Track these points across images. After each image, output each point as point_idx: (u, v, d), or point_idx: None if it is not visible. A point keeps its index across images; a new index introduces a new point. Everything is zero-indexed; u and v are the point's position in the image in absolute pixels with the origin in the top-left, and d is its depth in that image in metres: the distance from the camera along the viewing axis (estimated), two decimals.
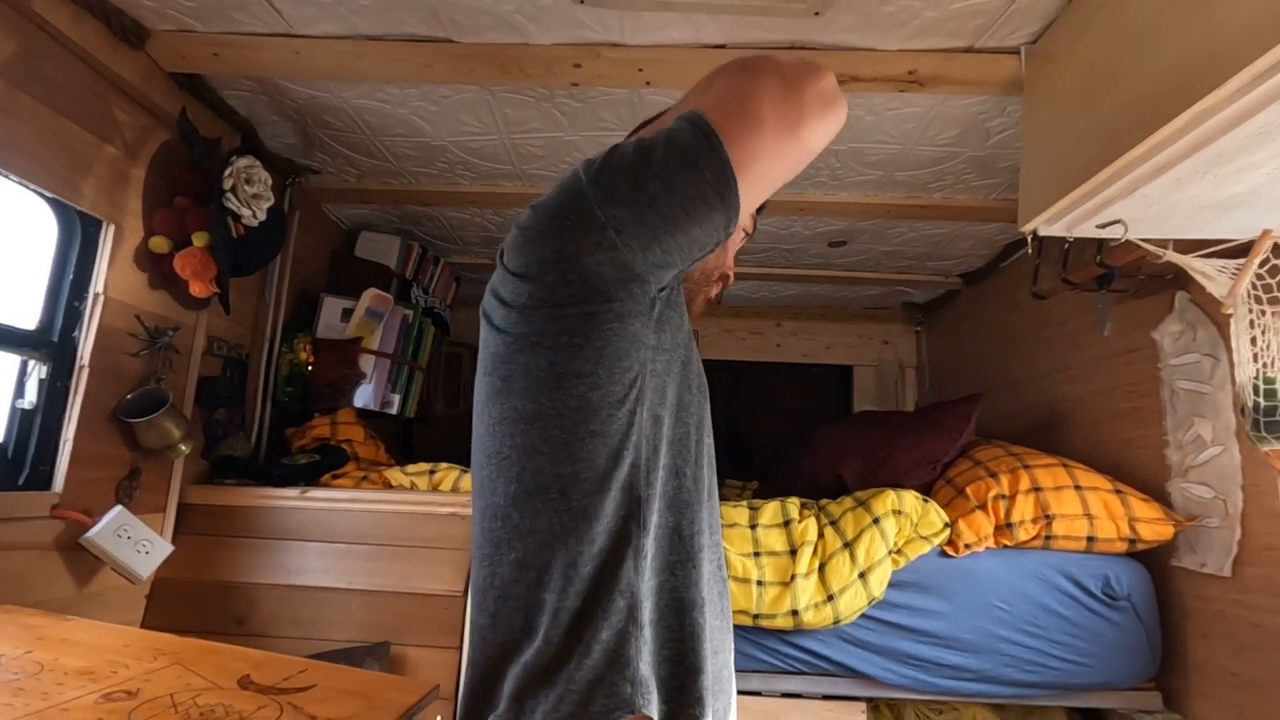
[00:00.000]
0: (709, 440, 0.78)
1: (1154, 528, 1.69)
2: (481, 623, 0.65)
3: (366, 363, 2.23)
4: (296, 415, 2.16)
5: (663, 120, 0.70)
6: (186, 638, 1.15)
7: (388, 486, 1.91)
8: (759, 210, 0.85)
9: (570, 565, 0.60)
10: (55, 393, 1.44)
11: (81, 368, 1.46)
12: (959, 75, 1.50)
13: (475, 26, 1.46)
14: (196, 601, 1.69)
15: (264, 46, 1.53)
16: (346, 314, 2.22)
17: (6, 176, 1.30)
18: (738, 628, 1.72)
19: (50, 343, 1.44)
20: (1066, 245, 1.65)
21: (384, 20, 1.46)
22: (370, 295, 2.23)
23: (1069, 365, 2.26)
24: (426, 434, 3.17)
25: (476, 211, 2.46)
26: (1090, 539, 1.73)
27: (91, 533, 1.41)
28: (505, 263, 0.65)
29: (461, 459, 2.02)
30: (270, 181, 1.77)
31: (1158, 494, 1.76)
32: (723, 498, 2.19)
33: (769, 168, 0.62)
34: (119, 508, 1.47)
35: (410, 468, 1.94)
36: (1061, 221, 1.34)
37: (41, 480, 1.41)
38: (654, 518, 0.65)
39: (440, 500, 1.78)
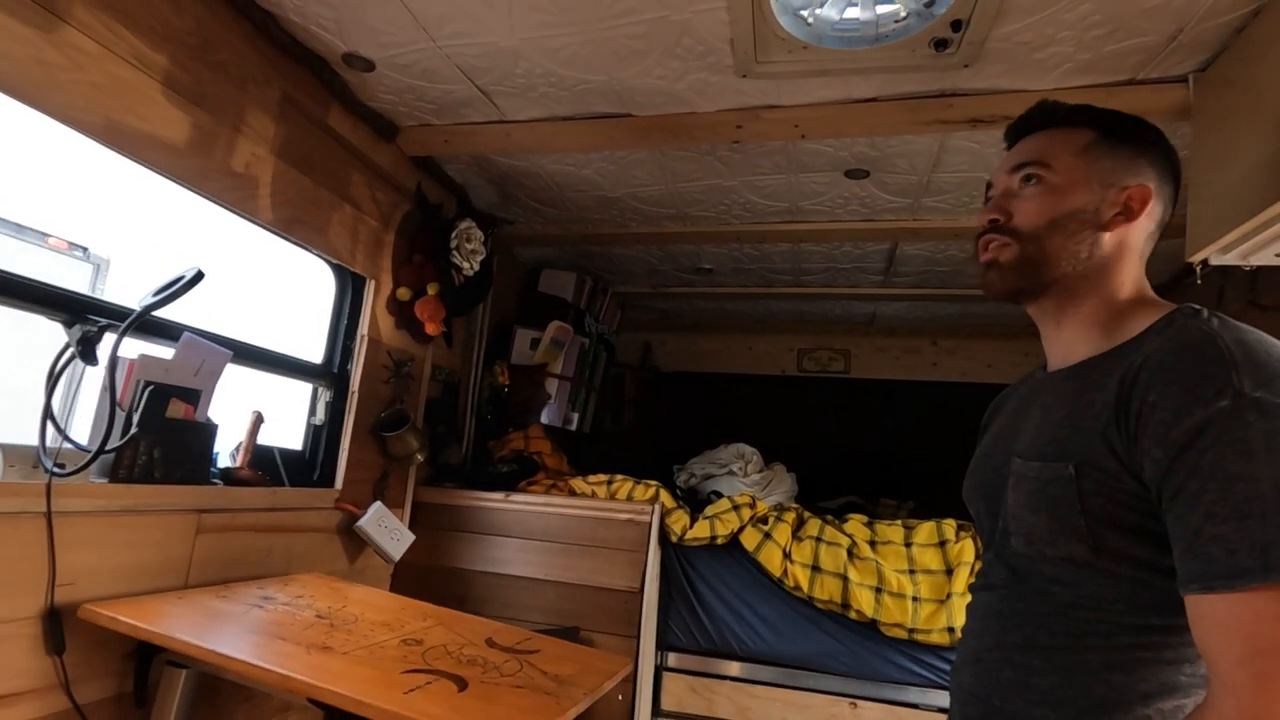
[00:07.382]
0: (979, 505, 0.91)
1: None
2: None
3: (551, 385, 2.57)
4: (495, 429, 2.54)
5: None
6: (439, 606, 1.48)
7: (572, 493, 2.21)
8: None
9: None
10: (335, 413, 1.87)
11: (353, 393, 1.88)
12: (1121, 107, 1.50)
13: (651, 103, 1.71)
14: (427, 581, 2.07)
15: (481, 132, 1.89)
16: (534, 343, 2.57)
17: (310, 251, 1.74)
18: (894, 640, 1.81)
19: (332, 374, 1.88)
20: (1253, 266, 1.58)
21: (577, 104, 1.75)
22: (554, 327, 2.57)
23: None
24: (593, 447, 3.49)
25: (642, 249, 2.73)
26: None
27: (362, 521, 1.81)
28: None
29: (629, 471, 2.28)
30: (483, 238, 2.14)
31: None
32: (878, 515, 2.27)
33: None
34: (379, 503, 1.87)
35: (591, 478, 2.22)
36: (1236, 251, 1.33)
37: (327, 479, 1.84)
38: None
39: (618, 507, 2.04)
